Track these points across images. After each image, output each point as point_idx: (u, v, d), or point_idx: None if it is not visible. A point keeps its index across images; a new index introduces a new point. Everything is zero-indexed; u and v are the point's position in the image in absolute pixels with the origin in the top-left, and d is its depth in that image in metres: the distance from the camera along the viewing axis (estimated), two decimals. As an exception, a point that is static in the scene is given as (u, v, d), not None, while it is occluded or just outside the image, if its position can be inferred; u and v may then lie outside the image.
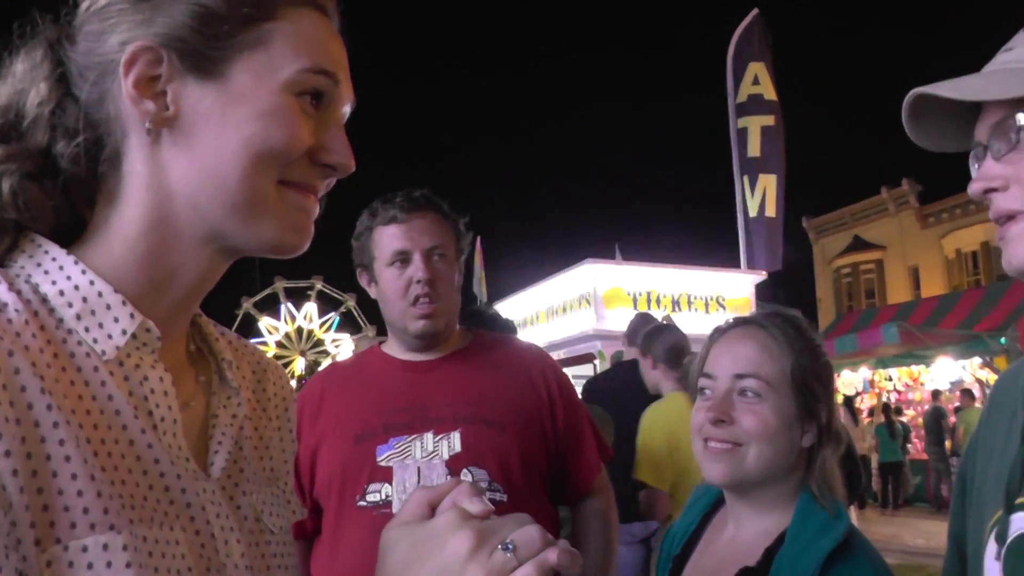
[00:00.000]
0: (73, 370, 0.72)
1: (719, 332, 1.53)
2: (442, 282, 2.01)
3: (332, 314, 39.43)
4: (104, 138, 0.79)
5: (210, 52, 0.77)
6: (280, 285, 38.87)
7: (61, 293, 0.75)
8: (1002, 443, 1.12)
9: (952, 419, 14.11)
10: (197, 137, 0.77)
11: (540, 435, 2.06)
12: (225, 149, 0.77)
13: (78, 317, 0.74)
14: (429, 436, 1.95)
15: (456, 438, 1.95)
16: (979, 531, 1.12)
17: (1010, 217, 0.99)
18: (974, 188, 1.02)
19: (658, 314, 9.32)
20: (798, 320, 1.50)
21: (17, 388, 0.66)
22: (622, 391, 4.73)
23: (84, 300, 0.75)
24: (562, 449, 2.10)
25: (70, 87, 0.79)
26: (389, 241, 2.01)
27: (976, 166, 1.07)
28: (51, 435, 0.66)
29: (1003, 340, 11.18)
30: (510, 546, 0.66)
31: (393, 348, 2.13)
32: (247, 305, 38.35)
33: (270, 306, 39.27)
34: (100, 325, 0.75)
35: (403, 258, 2.00)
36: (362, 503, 1.91)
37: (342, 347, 37.78)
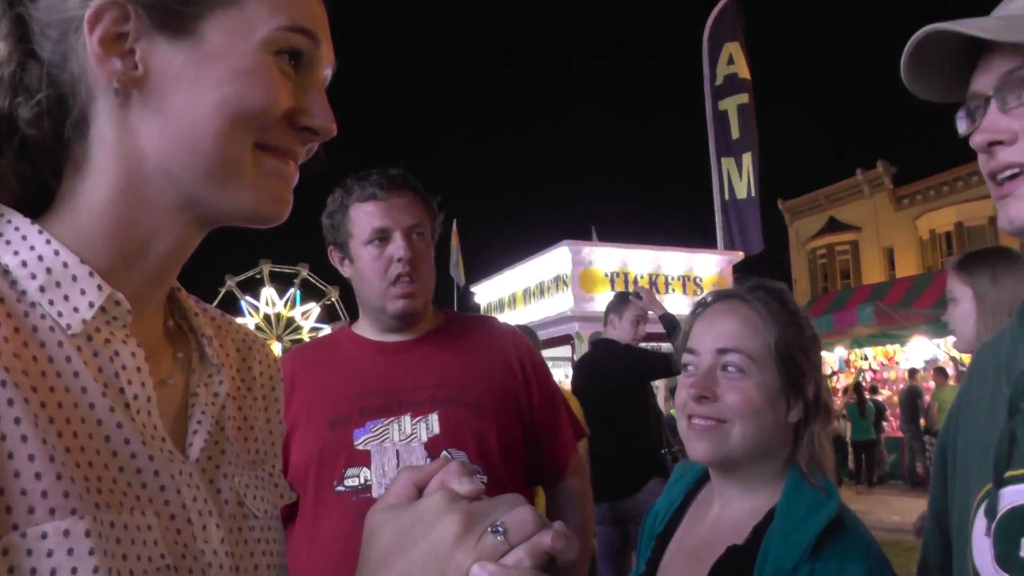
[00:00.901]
0: (35, 345, 0.67)
1: (701, 306, 1.50)
2: (421, 262, 1.98)
3: (313, 305, 39.29)
4: (69, 100, 0.74)
5: (181, 9, 0.72)
6: (266, 268, 38.63)
7: (24, 264, 0.70)
8: (985, 416, 1.10)
9: (927, 398, 14.27)
10: (168, 99, 0.73)
11: (517, 415, 2.03)
12: (199, 111, 0.72)
13: (42, 289, 0.70)
14: (407, 419, 1.91)
15: (434, 420, 1.91)
16: (964, 506, 1.09)
17: (1013, 176, 0.95)
18: (978, 139, 0.98)
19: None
20: (783, 292, 1.47)
21: None
22: (598, 368, 4.82)
23: (48, 272, 0.71)
24: (538, 429, 2.08)
25: (32, 46, 0.74)
26: (368, 219, 1.96)
27: (965, 119, 1.03)
28: (5, 413, 0.62)
29: (976, 319, 11.27)
30: (500, 528, 0.62)
31: (365, 329, 2.08)
32: (231, 283, 38.12)
33: (254, 287, 39.05)
34: (65, 298, 0.71)
35: (382, 236, 1.95)
36: (340, 488, 1.87)
37: (311, 317, 37.63)
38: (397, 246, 1.94)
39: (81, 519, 0.63)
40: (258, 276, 38.89)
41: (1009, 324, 1.15)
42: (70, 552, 0.61)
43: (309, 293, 39.58)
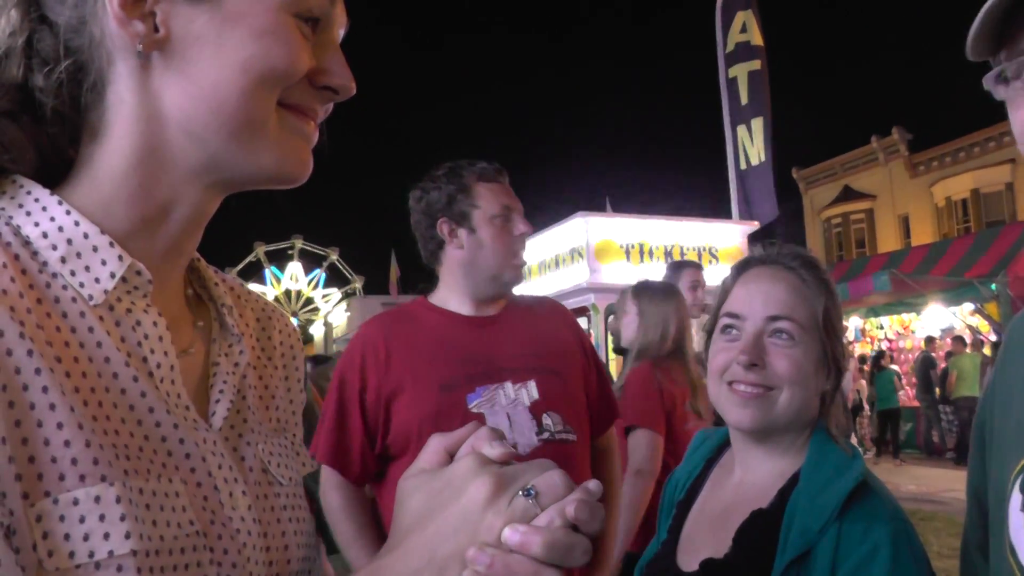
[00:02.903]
0: (58, 316, 0.68)
1: (740, 270, 1.49)
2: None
3: (317, 271, 39.43)
4: (87, 66, 0.73)
5: None
6: (260, 249, 38.83)
7: (44, 235, 0.70)
8: (1020, 392, 1.09)
9: (942, 365, 14.21)
10: (191, 60, 0.72)
11: (584, 384, 2.31)
12: (223, 71, 0.72)
13: (63, 260, 0.70)
14: (508, 385, 2.13)
15: (532, 386, 2.15)
16: (1002, 481, 1.08)
17: None
18: None
19: (651, 266, 9.31)
20: (818, 261, 1.47)
21: None
22: None
23: (69, 242, 0.71)
24: (592, 398, 2.34)
25: (44, 13, 0.73)
26: (496, 196, 2.20)
27: (1000, 81, 1.00)
28: (33, 382, 0.62)
29: (993, 286, 11.22)
30: (532, 492, 0.62)
31: (449, 302, 2.26)
32: (259, 250, 38.38)
33: (254, 272, 39.22)
34: (87, 268, 0.71)
35: (506, 214, 2.20)
36: None
37: (331, 301, 37.80)
38: (523, 224, 2.22)
39: (111, 485, 0.63)
40: (289, 251, 39.14)
41: None
42: (102, 518, 0.62)
43: (309, 261, 39.77)
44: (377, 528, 2.18)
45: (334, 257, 38.83)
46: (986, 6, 0.97)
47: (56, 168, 0.76)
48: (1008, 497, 1.04)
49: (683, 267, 4.63)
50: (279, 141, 0.75)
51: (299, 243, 38.65)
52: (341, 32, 0.82)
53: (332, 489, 2.19)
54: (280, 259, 39.29)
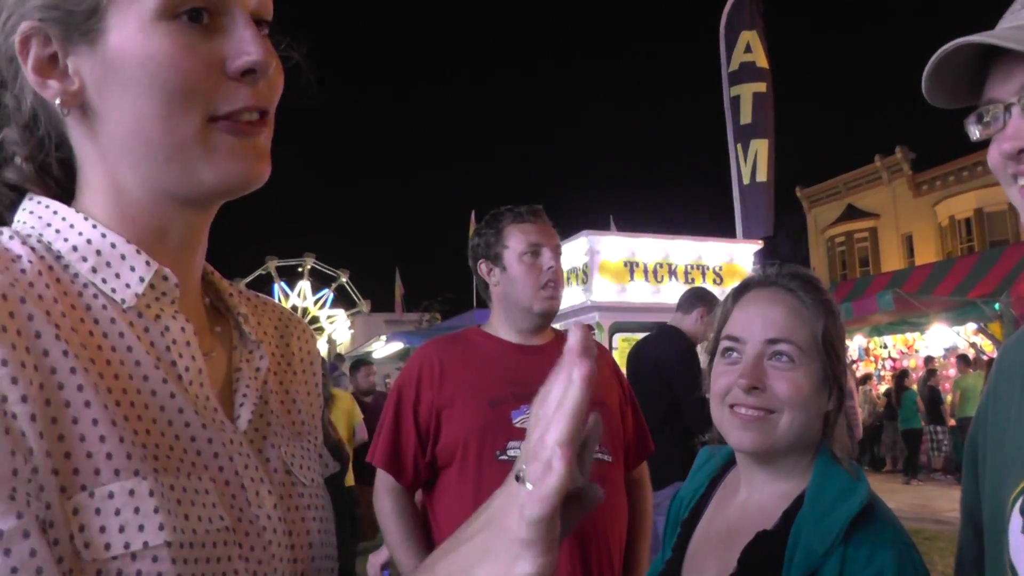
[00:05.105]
0: (91, 322, 0.71)
1: (739, 292, 1.50)
2: (560, 274, 2.45)
3: (326, 291, 39.53)
4: (43, 123, 0.79)
5: (79, 9, 0.73)
6: (272, 264, 38.99)
7: (75, 249, 0.75)
8: (1016, 413, 1.10)
9: (945, 386, 14.18)
10: (107, 102, 0.75)
11: (621, 414, 2.51)
12: (135, 106, 0.73)
13: (94, 270, 0.74)
14: None
15: None
16: (997, 504, 1.09)
17: None
18: (1007, 147, 1.00)
19: (655, 286, 9.31)
20: (818, 281, 1.47)
21: (31, 334, 0.64)
22: (648, 348, 4.71)
23: (98, 253, 0.75)
24: (630, 427, 2.56)
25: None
26: (524, 235, 2.42)
27: (978, 125, 1.05)
28: (69, 381, 0.65)
29: (997, 306, 11.19)
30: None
31: (500, 331, 2.48)
32: (271, 265, 38.53)
33: (263, 286, 39.33)
34: (117, 276, 0.75)
35: (535, 250, 2.40)
36: (503, 457, 2.21)
37: (336, 323, 37.94)
38: (548, 258, 2.41)
39: (144, 480, 0.66)
40: (299, 268, 39.36)
41: None
42: (136, 511, 0.65)
43: (318, 281, 39.93)
44: (425, 533, 2.35)
45: (344, 279, 39.00)
46: (943, 56, 1.02)
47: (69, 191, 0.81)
48: (1007, 519, 1.05)
49: (695, 299, 4.68)
50: (212, 160, 0.75)
51: (311, 262, 38.84)
52: (252, 3, 0.78)
53: (385, 493, 2.37)
54: (291, 275, 39.52)
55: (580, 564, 2.17)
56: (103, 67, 0.73)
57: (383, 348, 19.80)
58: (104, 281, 0.74)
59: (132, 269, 0.75)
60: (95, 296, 0.73)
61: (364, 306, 38.65)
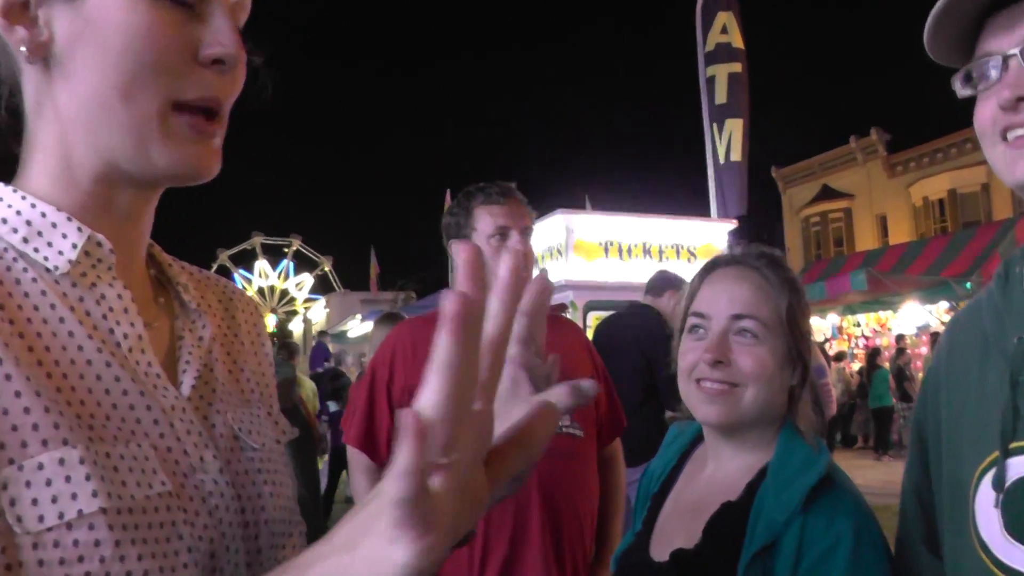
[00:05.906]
0: (19, 296, 0.71)
1: (707, 271, 1.52)
2: (530, 256, 2.43)
3: (306, 275, 39.29)
4: (4, 67, 0.78)
5: None
6: (257, 240, 38.64)
7: (4, 221, 0.74)
8: (976, 388, 1.10)
9: (917, 364, 14.34)
10: (75, 62, 0.74)
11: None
12: (103, 72, 0.73)
13: (25, 240, 0.74)
14: None
15: None
16: (957, 480, 1.10)
17: None
18: (1007, 94, 0.98)
19: (630, 264, 9.34)
20: (782, 259, 1.50)
21: None
22: (621, 322, 4.76)
23: (28, 224, 0.75)
24: (603, 403, 2.55)
25: None
26: (492, 218, 2.38)
27: (966, 82, 1.04)
28: None
29: (968, 285, 11.35)
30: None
31: None
32: (223, 257, 38.12)
33: (247, 260, 39.04)
34: (49, 244, 0.74)
35: (503, 233, 2.37)
36: None
37: (313, 309, 37.86)
38: (515, 241, 2.37)
39: (74, 448, 0.65)
40: (250, 248, 38.89)
41: (986, 295, 1.15)
42: (68, 479, 0.64)
43: (302, 263, 39.60)
44: None
45: (297, 244, 38.64)
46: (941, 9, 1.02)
47: (11, 165, 0.80)
48: (972, 494, 1.06)
49: (663, 284, 4.76)
50: (168, 145, 0.75)
51: (259, 239, 38.43)
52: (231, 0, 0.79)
53: (360, 472, 2.39)
54: (245, 260, 39.08)
55: (552, 540, 2.19)
56: (80, 26, 0.73)
57: (358, 327, 19.78)
58: (36, 251, 0.74)
59: (64, 236, 0.75)
60: (24, 270, 0.73)
61: (326, 263, 38.32)
